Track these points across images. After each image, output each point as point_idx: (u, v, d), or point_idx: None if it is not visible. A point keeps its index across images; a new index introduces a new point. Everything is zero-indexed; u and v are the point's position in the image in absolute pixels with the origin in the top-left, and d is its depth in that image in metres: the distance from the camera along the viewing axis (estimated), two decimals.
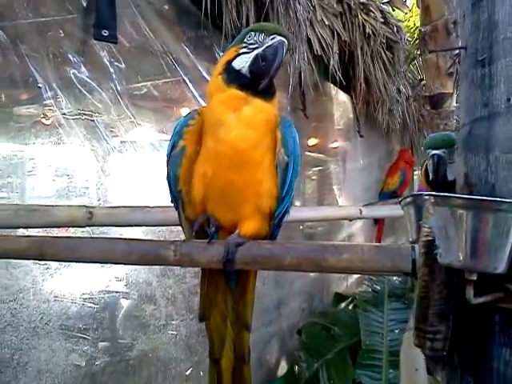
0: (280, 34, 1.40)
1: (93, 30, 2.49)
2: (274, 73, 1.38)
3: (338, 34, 4.29)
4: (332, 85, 5.46)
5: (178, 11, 3.15)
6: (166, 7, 3.06)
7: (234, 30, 3.12)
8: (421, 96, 6.65)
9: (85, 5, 2.50)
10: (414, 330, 1.24)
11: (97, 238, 1.72)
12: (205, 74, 3.31)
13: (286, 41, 1.40)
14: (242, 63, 1.43)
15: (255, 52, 1.41)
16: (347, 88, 5.66)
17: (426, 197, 1.74)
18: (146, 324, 2.69)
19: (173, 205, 1.64)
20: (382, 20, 4.97)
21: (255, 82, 1.40)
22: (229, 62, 1.46)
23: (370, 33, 4.67)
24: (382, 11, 5.08)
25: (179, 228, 1.71)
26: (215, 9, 3.04)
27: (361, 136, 6.44)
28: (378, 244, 1.46)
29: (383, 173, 6.49)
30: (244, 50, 1.44)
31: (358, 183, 6.47)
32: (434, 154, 2.12)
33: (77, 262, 1.60)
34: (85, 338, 2.38)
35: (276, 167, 1.46)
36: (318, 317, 4.49)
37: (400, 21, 5.76)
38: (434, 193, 1.16)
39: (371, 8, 4.82)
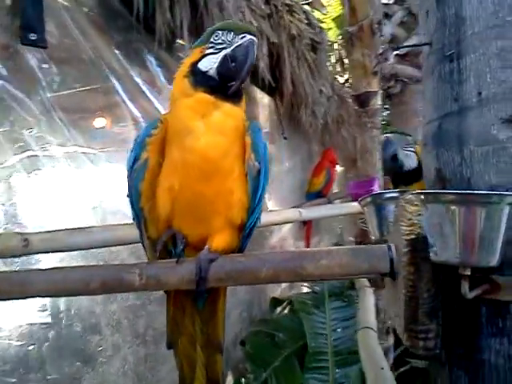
0: (250, 33, 1.31)
1: (19, 32, 2.22)
2: (245, 74, 1.29)
3: (266, 35, 4.28)
4: (256, 88, 5.45)
5: (108, 14, 2.93)
6: (96, 10, 2.84)
7: (168, 32, 2.97)
8: (340, 96, 6.87)
9: (9, 2, 2.22)
10: (405, 331, 1.22)
11: (51, 268, 1.51)
12: (137, 79, 3.12)
13: (256, 40, 1.32)
14: (210, 64, 1.32)
15: (224, 52, 1.30)
16: (271, 90, 5.68)
17: (393, 194, 1.76)
18: (93, 357, 2.45)
19: (135, 223, 1.49)
20: (306, 21, 5.05)
21: (224, 85, 1.30)
22: (194, 64, 1.34)
23: (296, 34, 4.73)
24: (305, 12, 5.16)
25: (124, 247, 1.55)
26: (147, 11, 2.87)
27: (285, 138, 6.50)
28: (352, 247, 1.42)
29: (307, 174, 6.60)
30: (211, 50, 1.33)
31: (284, 185, 6.51)
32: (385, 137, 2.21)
33: (31, 297, 1.39)
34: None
35: (246, 175, 1.37)
36: (259, 325, 4.40)
37: (321, 22, 5.91)
38: (423, 191, 1.14)
39: (295, 9, 4.87)
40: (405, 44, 6.17)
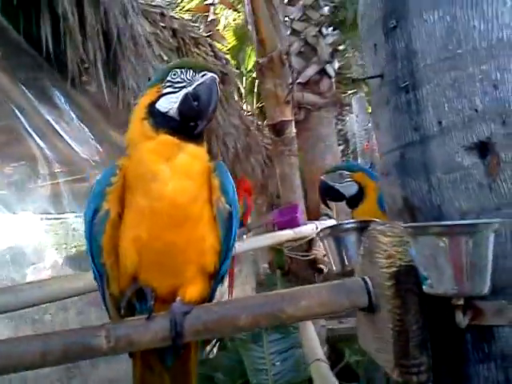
0: (210, 70, 1.25)
1: None
2: (212, 112, 1.23)
3: None
4: None
5: (13, 52, 2.71)
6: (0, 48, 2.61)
7: (80, 68, 2.80)
8: (247, 125, 6.97)
9: None
10: (395, 367, 1.19)
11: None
12: (47, 117, 2.89)
13: (217, 77, 1.25)
14: (169, 104, 1.23)
15: (184, 91, 1.22)
16: None
17: (351, 225, 1.75)
18: None
19: (95, 281, 1.32)
20: (212, 54, 5.07)
21: (187, 125, 1.23)
22: (151, 104, 1.25)
23: None
24: (210, 45, 5.18)
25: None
26: (57, 48, 2.69)
27: None
28: (329, 283, 1.37)
29: None
30: (168, 89, 1.24)
31: None
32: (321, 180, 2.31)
33: None
34: None
35: (217, 218, 1.28)
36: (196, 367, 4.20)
37: (226, 53, 5.97)
38: (410, 224, 1.13)
39: (201, 42, 4.87)
40: (305, 73, 6.43)
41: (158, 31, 4.19)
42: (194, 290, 1.29)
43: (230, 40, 8.02)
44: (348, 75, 10.65)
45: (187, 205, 1.22)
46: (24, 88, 2.81)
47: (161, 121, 1.23)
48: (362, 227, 1.83)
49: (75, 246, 3.16)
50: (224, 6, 7.28)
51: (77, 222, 3.17)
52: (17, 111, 2.67)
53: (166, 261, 1.26)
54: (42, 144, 2.81)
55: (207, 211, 1.28)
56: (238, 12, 7.58)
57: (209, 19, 6.29)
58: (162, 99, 1.25)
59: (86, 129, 3.53)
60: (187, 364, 1.42)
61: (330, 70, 6.65)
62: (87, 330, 1.26)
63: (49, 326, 2.61)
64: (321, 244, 4.67)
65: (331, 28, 7.27)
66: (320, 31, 6.76)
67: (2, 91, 2.64)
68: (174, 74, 1.26)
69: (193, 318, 1.23)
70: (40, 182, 2.95)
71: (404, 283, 1.19)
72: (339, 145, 8.62)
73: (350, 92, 12.42)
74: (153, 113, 1.24)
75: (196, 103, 1.21)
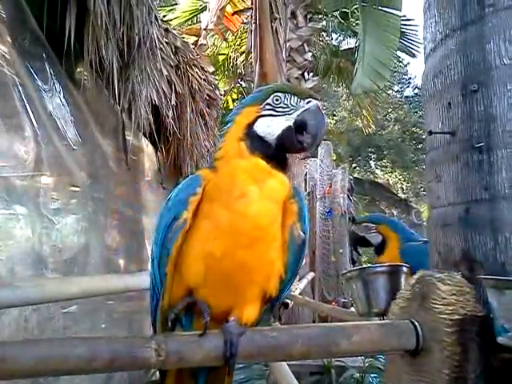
0: (315, 98, 1.26)
1: None
2: (319, 140, 1.24)
3: (174, 85, 4.19)
4: (142, 135, 5.27)
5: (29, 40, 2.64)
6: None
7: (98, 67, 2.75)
8: None
9: None
10: None
11: (38, 340, 1.16)
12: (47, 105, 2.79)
13: (320, 105, 1.27)
14: (268, 129, 1.23)
15: (288, 118, 1.23)
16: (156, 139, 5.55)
17: (382, 269, 1.79)
18: None
19: (151, 292, 1.27)
20: (204, 77, 5.10)
21: (281, 152, 1.24)
22: (249, 126, 1.25)
23: (196, 88, 4.72)
24: (202, 68, 5.22)
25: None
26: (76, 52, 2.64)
27: (163, 188, 6.33)
28: (380, 322, 1.40)
29: None
30: (268, 112, 1.25)
31: None
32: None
33: (10, 379, 1.05)
34: None
35: (288, 244, 1.28)
36: None
37: (216, 80, 6.02)
38: (492, 277, 1.19)
39: (195, 63, 4.90)
40: None
41: (162, 46, 4.19)
42: (251, 312, 1.27)
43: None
44: None
45: (267, 227, 1.22)
46: (34, 73, 2.70)
47: (258, 145, 1.22)
48: (391, 271, 1.91)
49: (50, 245, 2.97)
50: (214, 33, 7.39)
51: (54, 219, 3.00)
52: (25, 101, 2.55)
53: (231, 280, 1.23)
54: (36, 127, 2.69)
55: (279, 236, 1.28)
56: (227, 41, 7.73)
57: (199, 43, 6.34)
58: (261, 122, 1.24)
59: (76, 125, 3.43)
60: None
61: None
62: (135, 340, 1.20)
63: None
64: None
65: (312, 74, 7.56)
66: (302, 74, 7.02)
67: (13, 73, 2.52)
68: (277, 99, 1.26)
69: (247, 340, 1.21)
70: (24, 171, 2.78)
71: (468, 332, 1.24)
72: None
73: None
74: (251, 135, 1.24)
75: (305, 131, 1.22)
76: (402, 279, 1.83)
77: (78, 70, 3.06)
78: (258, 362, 3.64)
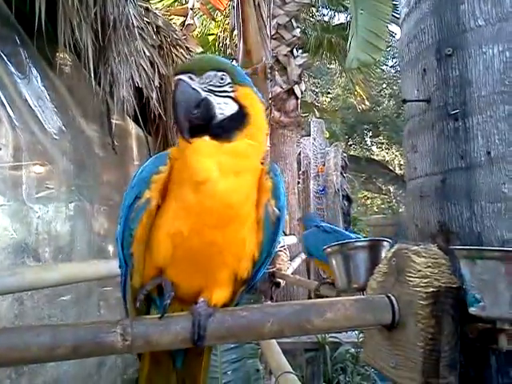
0: (183, 72, 1.14)
1: None
2: (178, 117, 1.12)
3: (157, 66, 4.08)
4: (129, 118, 5.18)
5: None
6: None
7: (72, 50, 2.67)
8: None
9: None
10: None
11: (2, 328, 1.12)
12: (23, 92, 2.71)
13: (185, 77, 1.12)
14: None
15: None
16: (143, 122, 5.46)
17: (362, 243, 1.76)
18: None
19: (119, 270, 1.22)
20: (189, 57, 4.98)
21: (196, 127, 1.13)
22: None
23: None
24: (188, 48, 5.09)
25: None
26: (49, 30, 2.54)
27: None
28: (353, 298, 1.36)
29: None
30: None
31: None
32: None
33: None
34: None
35: (263, 222, 1.22)
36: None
37: None
38: (466, 247, 1.15)
39: (180, 44, 4.78)
40: (273, 90, 6.48)
41: (143, 25, 4.08)
42: (220, 293, 1.22)
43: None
44: (303, 99, 10.92)
45: (234, 205, 1.15)
46: (6, 59, 2.61)
47: None
48: (372, 246, 1.87)
49: (32, 233, 2.94)
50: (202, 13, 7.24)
51: (36, 207, 2.96)
52: None
53: (199, 260, 1.18)
54: (12, 117, 2.62)
55: (253, 214, 1.22)
56: (215, 21, 7.57)
57: (186, 23, 6.19)
58: None
59: (57, 111, 3.35)
60: (198, 367, 1.35)
61: (297, 90, 6.78)
62: (100, 325, 1.15)
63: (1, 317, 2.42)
64: (283, 258, 4.69)
65: (301, 50, 7.44)
66: (291, 51, 6.89)
67: None
68: None
69: (217, 321, 1.17)
70: (2, 160, 2.72)
71: (442, 304, 1.20)
72: None
73: (304, 115, 12.75)
74: None
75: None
76: (383, 254, 1.79)
77: (56, 53, 2.96)
78: (250, 342, 3.63)
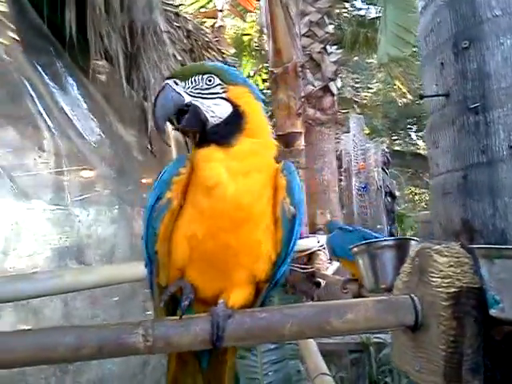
0: (170, 78, 1.17)
1: None
2: (157, 122, 1.15)
3: None
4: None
5: (33, 35, 2.66)
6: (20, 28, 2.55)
7: (102, 57, 2.76)
8: None
9: None
10: None
11: (28, 330, 1.20)
12: (61, 102, 2.83)
13: (170, 83, 1.15)
14: None
15: None
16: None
17: (388, 243, 1.73)
18: None
19: (145, 268, 1.27)
20: (222, 59, 5.04)
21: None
22: None
23: None
24: (220, 50, 5.15)
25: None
26: (80, 37, 2.64)
27: None
28: (378, 298, 1.34)
29: None
30: None
31: None
32: None
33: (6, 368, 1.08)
34: None
35: (280, 221, 1.23)
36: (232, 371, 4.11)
37: (237, 60, 5.96)
38: (485, 246, 1.11)
39: (211, 46, 4.85)
40: (308, 88, 6.45)
41: (173, 30, 4.16)
42: (238, 295, 1.23)
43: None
44: (340, 95, 10.75)
45: (246, 207, 1.16)
46: (41, 70, 2.74)
47: None
48: (399, 245, 1.83)
49: (75, 237, 3.07)
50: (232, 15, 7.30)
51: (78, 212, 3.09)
52: (32, 93, 2.60)
53: (215, 262, 1.20)
54: (52, 129, 2.74)
55: (269, 214, 1.22)
56: (245, 21, 7.62)
57: (216, 25, 6.27)
58: None
59: (94, 118, 3.48)
60: (223, 367, 1.36)
61: (332, 87, 6.71)
62: (123, 326, 1.19)
63: (48, 318, 2.53)
64: (322, 258, 4.66)
65: (335, 46, 7.35)
66: (325, 48, 6.83)
67: (19, 72, 2.57)
68: None
69: (237, 322, 1.18)
70: (44, 167, 2.86)
71: (463, 305, 1.16)
72: None
73: (343, 111, 12.58)
74: None
75: None
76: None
77: (90, 62, 3.08)
78: (290, 342, 3.62)
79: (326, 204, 6.15)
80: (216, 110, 1.14)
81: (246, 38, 11.27)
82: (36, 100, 2.68)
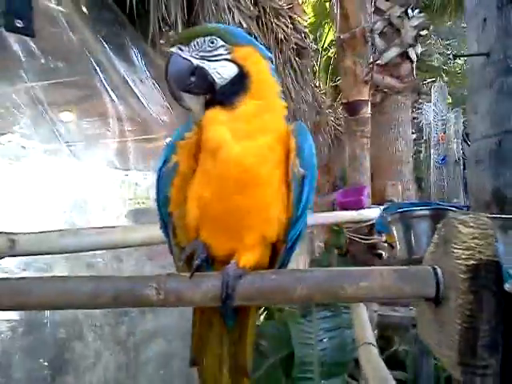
0: (175, 44, 1.15)
1: (2, 18, 2.00)
2: (171, 89, 1.14)
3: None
4: None
5: (96, 6, 2.78)
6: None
7: (162, 28, 2.84)
8: (318, 103, 6.81)
9: None
10: (458, 365, 1.12)
11: (51, 277, 1.33)
12: (124, 74, 2.96)
13: (175, 50, 1.13)
14: None
15: None
16: None
17: (423, 212, 1.66)
18: (76, 364, 2.27)
19: (161, 230, 1.34)
20: (292, 26, 4.96)
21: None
22: None
23: (282, 38, 4.62)
24: (290, 17, 5.07)
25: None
26: (140, 7, 2.73)
27: None
28: (397, 268, 1.30)
29: None
30: None
31: None
32: None
33: (27, 309, 1.21)
34: None
35: (291, 182, 1.23)
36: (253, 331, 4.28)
37: (306, 27, 5.84)
38: (500, 215, 1.04)
39: (282, 13, 4.77)
40: (385, 54, 6.15)
41: None
42: (250, 256, 1.25)
43: (309, 16, 7.81)
44: (428, 63, 10.07)
45: (252, 169, 1.16)
46: (104, 43, 2.87)
47: None
48: (435, 214, 1.75)
49: (137, 201, 3.25)
50: None
51: (140, 178, 3.26)
52: (95, 65, 2.74)
53: (225, 223, 1.23)
54: (115, 100, 2.88)
55: (279, 176, 1.22)
56: None
57: None
58: None
59: (160, 89, 3.59)
60: (245, 329, 1.41)
61: (412, 54, 6.33)
62: (138, 279, 1.26)
63: (102, 272, 2.73)
64: None
65: (417, 10, 6.89)
66: (406, 12, 6.42)
67: (83, 44, 2.71)
68: None
69: (247, 282, 1.20)
70: (110, 136, 3.03)
71: (482, 278, 1.10)
72: (412, 133, 8.26)
73: (428, 80, 11.85)
74: None
75: None
76: None
77: (153, 32, 3.16)
78: (347, 312, 3.62)
79: (397, 176, 5.94)
80: (222, 72, 1.15)
81: (328, 5, 10.64)
82: (100, 72, 2.82)
